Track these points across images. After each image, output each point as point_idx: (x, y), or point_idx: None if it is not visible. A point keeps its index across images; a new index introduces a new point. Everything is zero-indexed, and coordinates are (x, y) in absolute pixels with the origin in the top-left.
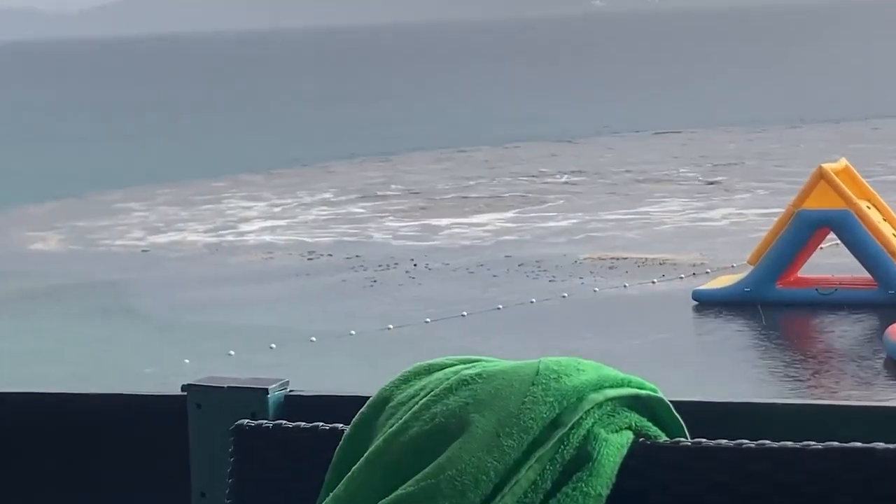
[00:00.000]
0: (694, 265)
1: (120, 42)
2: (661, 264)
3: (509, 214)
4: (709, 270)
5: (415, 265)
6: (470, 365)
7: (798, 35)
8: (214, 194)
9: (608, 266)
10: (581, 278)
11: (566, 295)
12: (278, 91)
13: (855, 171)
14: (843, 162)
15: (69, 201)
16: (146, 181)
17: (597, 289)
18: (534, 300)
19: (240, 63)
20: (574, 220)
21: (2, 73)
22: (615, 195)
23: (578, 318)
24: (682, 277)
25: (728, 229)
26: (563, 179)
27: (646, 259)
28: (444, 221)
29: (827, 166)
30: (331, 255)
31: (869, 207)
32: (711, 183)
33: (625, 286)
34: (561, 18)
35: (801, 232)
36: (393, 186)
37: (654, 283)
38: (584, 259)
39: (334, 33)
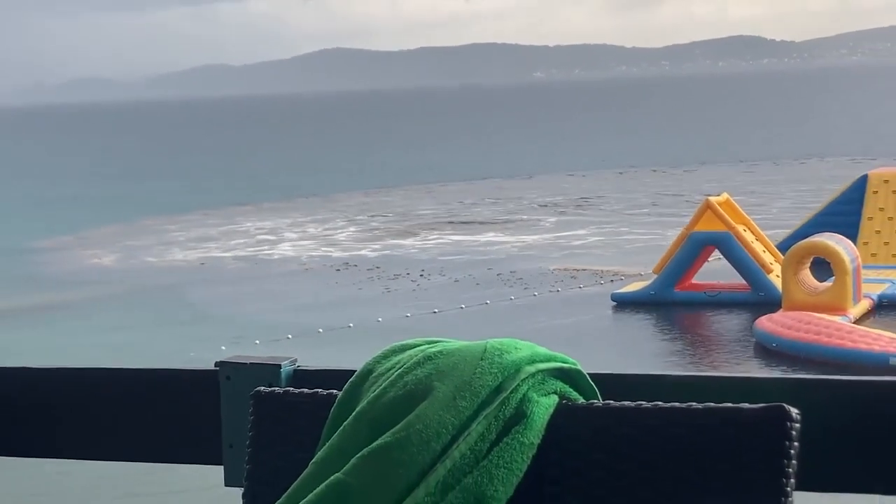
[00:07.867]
0: (634, 275)
1: (183, 105)
2: (614, 275)
3: (489, 235)
4: (622, 278)
5: (421, 275)
6: (433, 344)
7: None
8: (258, 217)
9: (570, 276)
10: (553, 285)
11: (513, 298)
12: (298, 141)
13: (734, 202)
14: (725, 195)
15: (120, 226)
16: (194, 208)
17: (536, 293)
18: (488, 301)
19: (276, 119)
20: (548, 238)
21: (73, 127)
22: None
23: (524, 310)
24: (601, 283)
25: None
26: (539, 204)
27: (602, 271)
28: (452, 238)
29: (712, 199)
30: (356, 265)
31: (745, 230)
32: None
33: (557, 290)
34: (514, 86)
35: (693, 249)
36: (387, 212)
37: (581, 287)
38: (553, 270)
39: (343, 96)
